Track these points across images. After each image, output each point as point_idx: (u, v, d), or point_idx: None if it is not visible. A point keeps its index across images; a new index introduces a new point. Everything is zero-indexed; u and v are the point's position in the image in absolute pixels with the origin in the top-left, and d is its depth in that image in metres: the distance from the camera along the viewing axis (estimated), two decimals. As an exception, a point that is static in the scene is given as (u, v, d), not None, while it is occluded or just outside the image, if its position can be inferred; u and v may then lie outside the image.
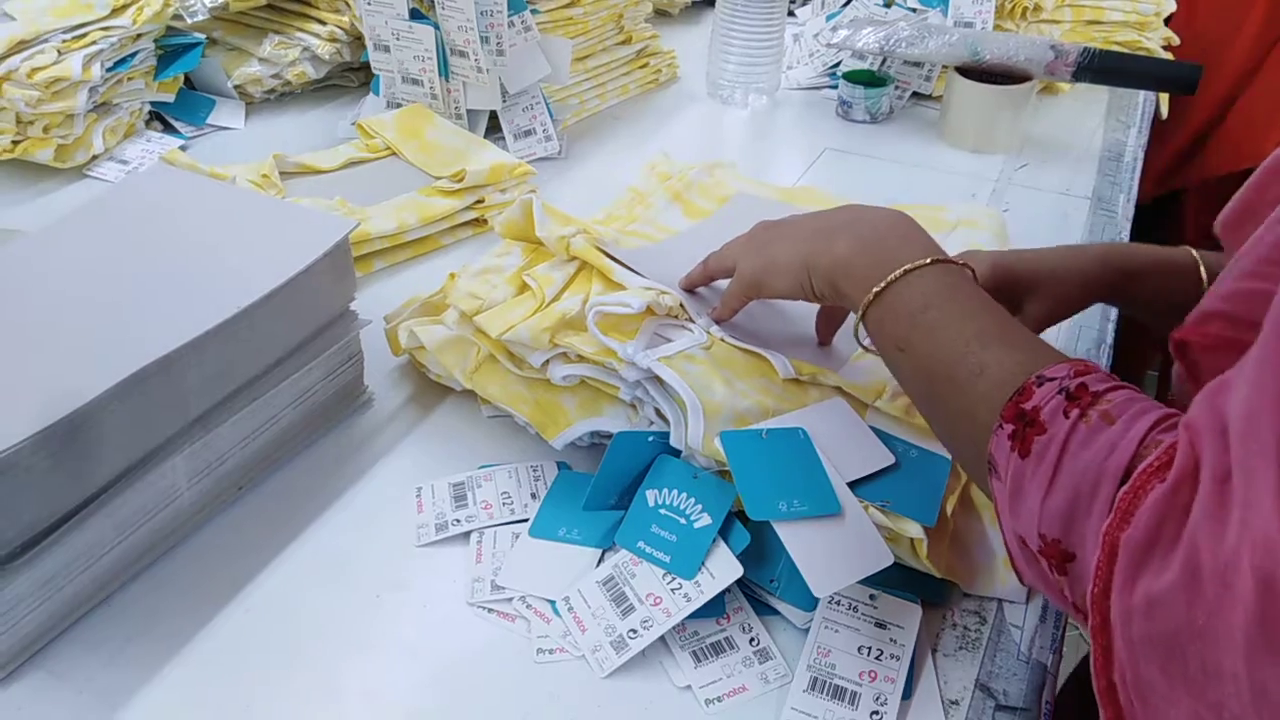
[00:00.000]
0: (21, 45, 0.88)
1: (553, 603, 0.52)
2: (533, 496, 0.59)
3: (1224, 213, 0.49)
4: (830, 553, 0.49)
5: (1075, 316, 0.67)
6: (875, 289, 0.49)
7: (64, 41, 0.91)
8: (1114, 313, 0.82)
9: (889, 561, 0.49)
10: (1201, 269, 0.60)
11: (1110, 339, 0.78)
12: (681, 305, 0.62)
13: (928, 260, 0.49)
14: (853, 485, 0.53)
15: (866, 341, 0.52)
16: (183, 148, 1.00)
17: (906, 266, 0.48)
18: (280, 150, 0.89)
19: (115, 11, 0.95)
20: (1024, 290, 0.61)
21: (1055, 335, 0.78)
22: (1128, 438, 0.37)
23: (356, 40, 1.13)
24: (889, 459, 0.55)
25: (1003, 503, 0.41)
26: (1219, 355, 0.44)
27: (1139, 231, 0.96)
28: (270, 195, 0.82)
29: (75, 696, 0.48)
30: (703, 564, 0.52)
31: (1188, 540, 0.32)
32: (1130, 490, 0.35)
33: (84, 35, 0.92)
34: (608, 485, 0.56)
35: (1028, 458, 0.39)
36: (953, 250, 0.57)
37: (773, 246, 0.56)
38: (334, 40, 1.11)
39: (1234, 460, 0.31)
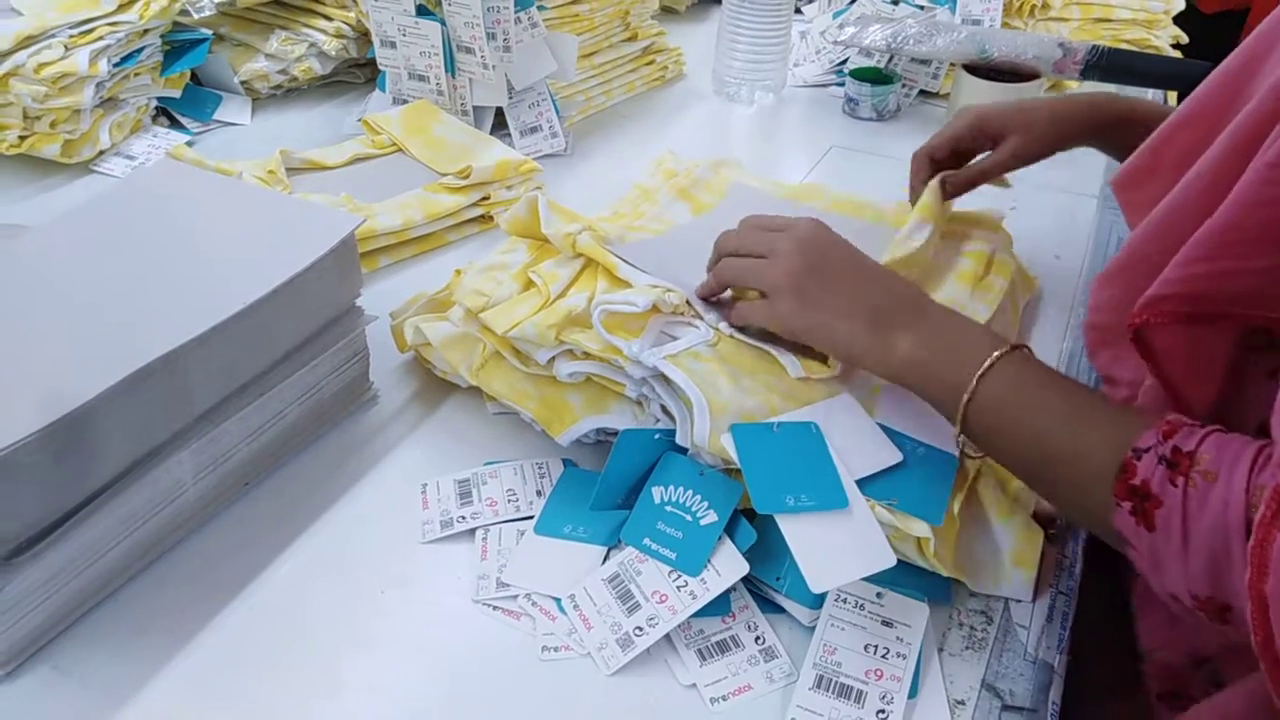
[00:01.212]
0: (28, 41, 0.89)
1: (558, 600, 0.52)
2: (538, 493, 0.59)
3: (1120, 173, 0.56)
4: (831, 549, 0.49)
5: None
6: (964, 400, 0.50)
7: (71, 37, 0.91)
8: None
9: (891, 562, 0.49)
10: None
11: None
12: (688, 302, 0.61)
13: (997, 355, 0.51)
14: (860, 483, 0.53)
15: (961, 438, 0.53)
16: (189, 143, 1.00)
17: (980, 371, 0.50)
18: (286, 146, 0.89)
19: (122, 7, 0.95)
20: (997, 132, 0.73)
21: (1058, 349, 0.78)
22: (1234, 491, 0.40)
23: (363, 36, 1.13)
24: (897, 456, 0.54)
25: (1145, 568, 0.44)
26: (1174, 331, 0.48)
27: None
28: (276, 191, 0.82)
29: (80, 692, 0.48)
30: (709, 561, 0.52)
31: None
32: (1256, 544, 0.38)
33: (91, 30, 0.92)
34: (614, 484, 0.56)
35: (1155, 531, 0.43)
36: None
37: (825, 313, 0.55)
38: (340, 36, 1.11)
39: None
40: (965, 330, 0.54)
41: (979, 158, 0.76)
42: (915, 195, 0.76)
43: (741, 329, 0.60)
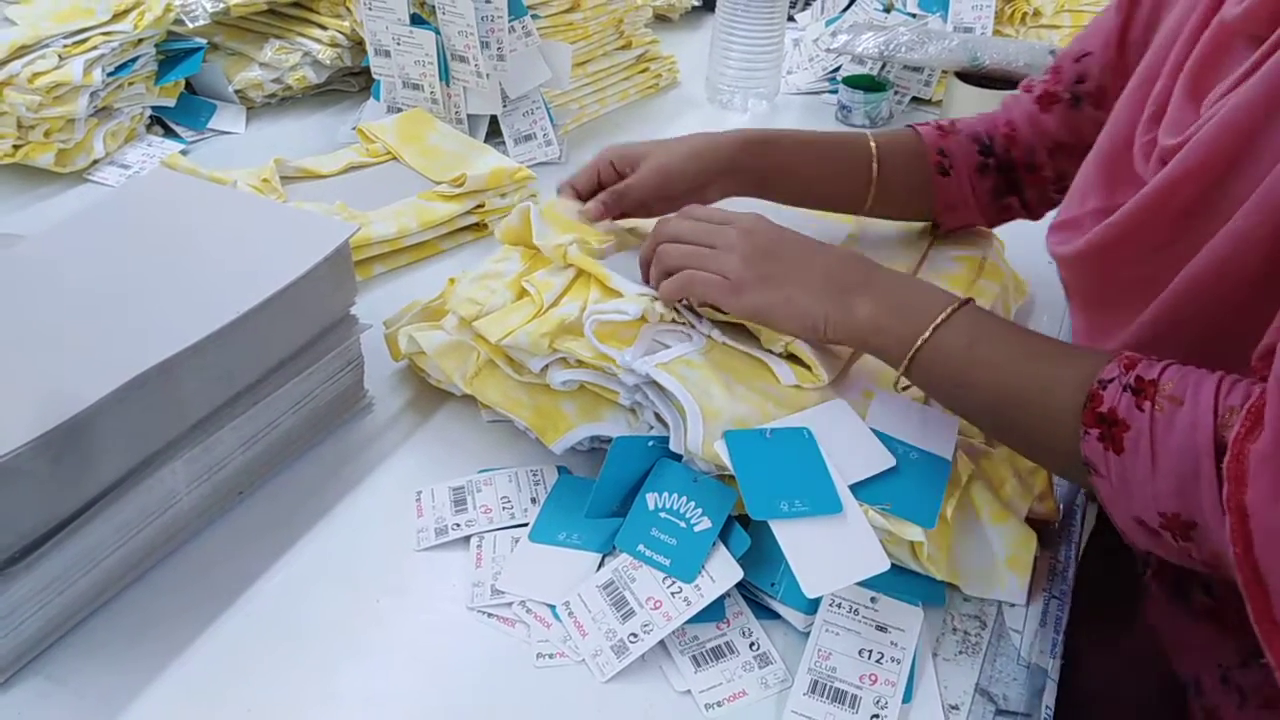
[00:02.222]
0: (23, 50, 0.89)
1: (553, 607, 0.52)
2: (533, 501, 0.59)
3: (1093, 240, 0.54)
4: (826, 554, 0.49)
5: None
6: (918, 344, 0.53)
7: (65, 46, 0.91)
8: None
9: (885, 567, 0.49)
10: (873, 152, 0.72)
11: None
12: (678, 309, 0.62)
13: (953, 307, 0.53)
14: (853, 488, 0.53)
15: (904, 384, 0.56)
16: (184, 152, 1.01)
17: (937, 321, 0.53)
18: (281, 155, 0.89)
19: (116, 17, 0.95)
20: (636, 159, 0.71)
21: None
22: (1201, 413, 0.43)
23: (357, 45, 1.13)
24: (890, 461, 0.55)
25: (1110, 494, 0.46)
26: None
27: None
28: (271, 200, 0.82)
29: (75, 701, 0.48)
30: (703, 567, 0.52)
31: None
32: (1232, 459, 0.40)
33: (85, 40, 0.92)
34: (609, 491, 0.56)
35: (1124, 454, 0.45)
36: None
37: (785, 288, 0.56)
38: (335, 45, 1.12)
39: None
40: (919, 288, 0.56)
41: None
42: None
43: (733, 337, 0.61)
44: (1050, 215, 0.70)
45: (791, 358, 0.60)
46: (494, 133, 1.03)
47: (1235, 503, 0.40)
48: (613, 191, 0.71)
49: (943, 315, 0.53)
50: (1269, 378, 0.40)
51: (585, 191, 0.73)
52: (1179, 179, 0.50)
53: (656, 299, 0.61)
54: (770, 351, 0.60)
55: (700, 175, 0.70)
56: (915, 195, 0.75)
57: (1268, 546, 0.39)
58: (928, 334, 0.52)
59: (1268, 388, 0.40)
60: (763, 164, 0.72)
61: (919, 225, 0.80)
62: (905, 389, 0.57)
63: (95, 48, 0.92)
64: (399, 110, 1.02)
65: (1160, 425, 0.44)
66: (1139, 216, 0.52)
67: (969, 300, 0.54)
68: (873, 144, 0.73)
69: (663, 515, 0.54)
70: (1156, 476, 0.44)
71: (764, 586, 0.53)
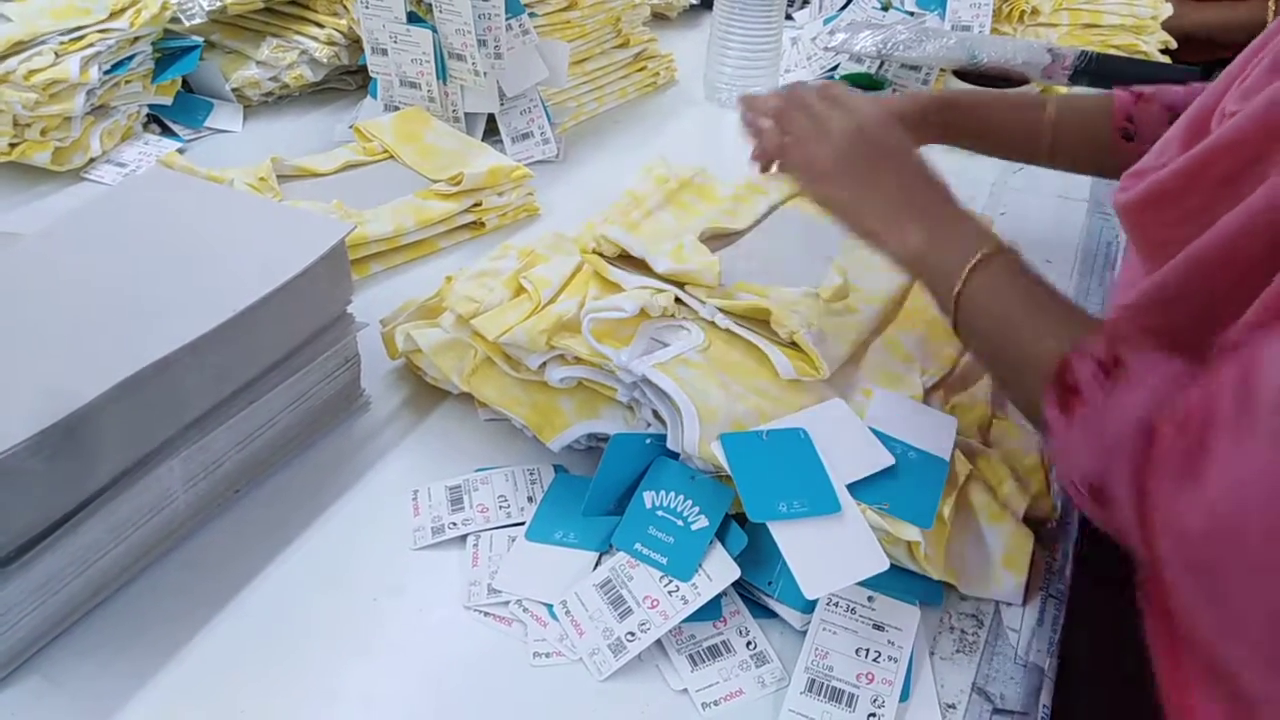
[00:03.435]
0: (19, 46, 0.89)
1: (549, 606, 0.52)
2: (529, 500, 0.59)
3: (1136, 195, 0.55)
4: (824, 555, 0.49)
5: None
6: (955, 291, 0.55)
7: (61, 44, 0.91)
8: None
9: (884, 566, 0.49)
10: (1050, 109, 0.76)
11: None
12: (677, 301, 0.62)
13: (983, 254, 0.54)
14: (851, 487, 0.53)
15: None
16: (180, 150, 1.00)
17: (970, 265, 0.54)
18: (278, 153, 0.89)
19: (113, 14, 0.95)
20: None
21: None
22: (1142, 396, 0.45)
23: (354, 43, 1.13)
24: (888, 459, 0.55)
25: (1056, 455, 0.50)
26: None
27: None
28: (267, 198, 0.82)
29: (70, 702, 0.48)
30: (700, 566, 0.52)
31: (1204, 473, 0.39)
32: (1156, 449, 0.42)
33: (82, 38, 0.92)
34: (606, 489, 0.56)
35: (1073, 424, 0.47)
36: None
37: (857, 192, 0.59)
38: (332, 43, 1.11)
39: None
40: (964, 227, 0.57)
41: None
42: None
43: (737, 322, 0.62)
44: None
45: (794, 347, 0.60)
46: (491, 131, 1.03)
47: (1141, 486, 0.42)
48: None
49: (974, 261, 0.54)
50: (1211, 374, 0.42)
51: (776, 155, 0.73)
52: (1218, 149, 0.50)
53: (656, 293, 0.61)
54: (775, 337, 0.60)
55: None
56: (1097, 155, 0.78)
57: (1169, 536, 0.41)
58: (958, 285, 0.54)
59: (1202, 383, 0.42)
60: (950, 121, 0.78)
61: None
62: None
63: (92, 45, 0.92)
64: (396, 109, 1.02)
65: (1110, 405, 0.46)
66: (1180, 180, 0.52)
67: (1004, 250, 0.55)
68: (1050, 109, 0.78)
69: (660, 514, 0.54)
70: (1091, 450, 0.46)
71: (761, 585, 0.53)
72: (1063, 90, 1.23)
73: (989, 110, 0.80)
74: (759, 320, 0.62)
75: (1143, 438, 0.43)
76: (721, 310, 0.62)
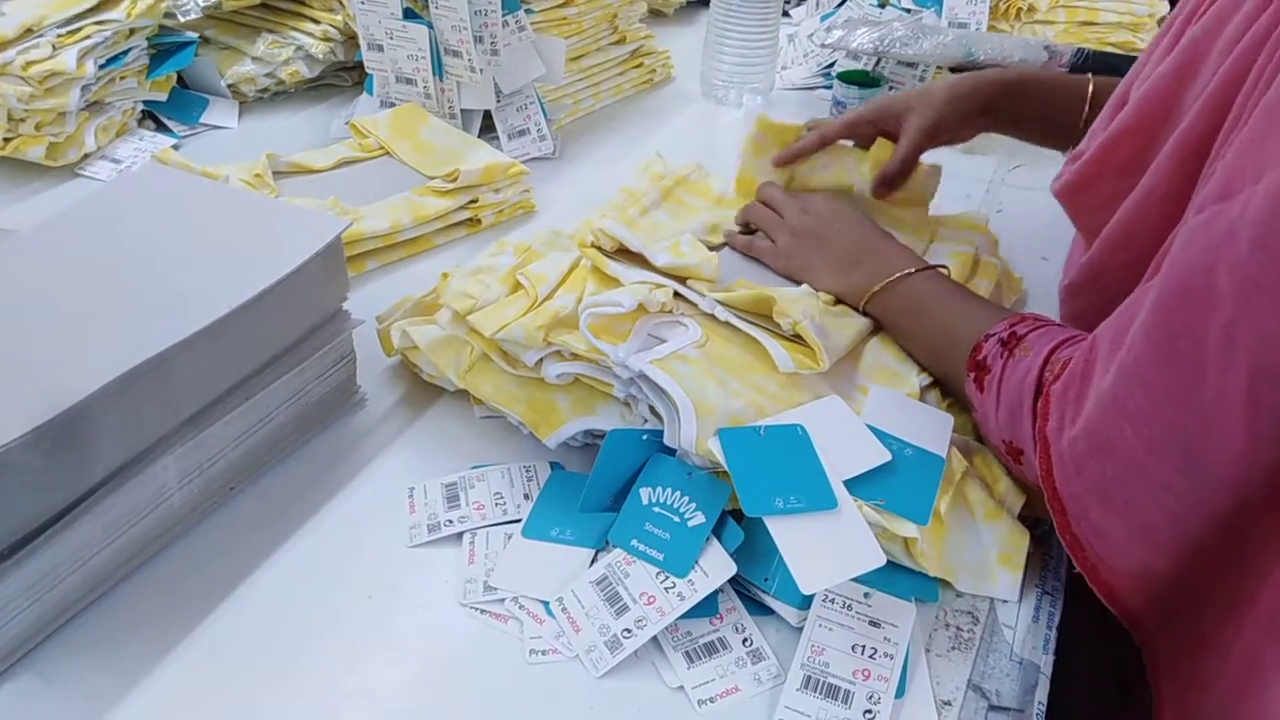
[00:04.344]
0: (28, 33, 0.89)
1: (546, 603, 0.52)
2: (525, 497, 0.59)
3: (1064, 180, 0.60)
4: (821, 550, 0.49)
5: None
6: (865, 299, 0.66)
7: (59, 36, 0.90)
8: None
9: (881, 562, 0.49)
10: (1090, 87, 0.76)
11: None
12: (679, 292, 0.62)
13: (898, 275, 0.65)
14: (847, 484, 0.53)
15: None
16: (175, 147, 1.00)
17: (876, 287, 0.65)
18: (273, 150, 0.89)
19: (109, 3, 0.94)
20: (900, 113, 0.77)
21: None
22: (1035, 361, 0.52)
23: (350, 39, 1.12)
24: (885, 456, 0.55)
25: (980, 426, 0.58)
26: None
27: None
28: (263, 195, 0.82)
29: (64, 699, 0.48)
30: (696, 562, 0.52)
31: (1082, 407, 0.47)
32: (1043, 399, 0.50)
33: (78, 30, 0.92)
34: (602, 485, 0.56)
35: (984, 392, 0.56)
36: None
37: (812, 259, 0.70)
38: (327, 39, 1.11)
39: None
40: (893, 260, 0.66)
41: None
42: (790, 155, 0.80)
43: (737, 314, 0.63)
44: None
45: (797, 338, 0.60)
46: (487, 128, 1.03)
47: (1040, 433, 0.50)
48: (895, 162, 0.77)
49: (886, 280, 0.64)
50: (1098, 331, 0.48)
51: (832, 141, 0.79)
52: (1117, 137, 0.54)
53: (655, 288, 0.61)
54: (778, 329, 0.61)
55: (961, 124, 0.77)
56: None
57: (1061, 470, 0.48)
58: (876, 288, 0.65)
59: (1082, 340, 0.49)
60: (1016, 107, 0.78)
61: (921, 223, 0.80)
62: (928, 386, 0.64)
63: (88, 37, 0.91)
64: (392, 105, 1.01)
65: (1008, 370, 0.54)
66: (1091, 169, 0.57)
67: (923, 269, 0.64)
68: (1090, 86, 0.76)
69: (656, 510, 0.54)
70: (999, 411, 0.54)
71: (757, 581, 0.53)
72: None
73: (1047, 95, 0.78)
74: (759, 314, 0.62)
75: (1034, 392, 0.51)
76: (722, 303, 0.62)
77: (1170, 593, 0.48)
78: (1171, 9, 1.25)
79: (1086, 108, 0.75)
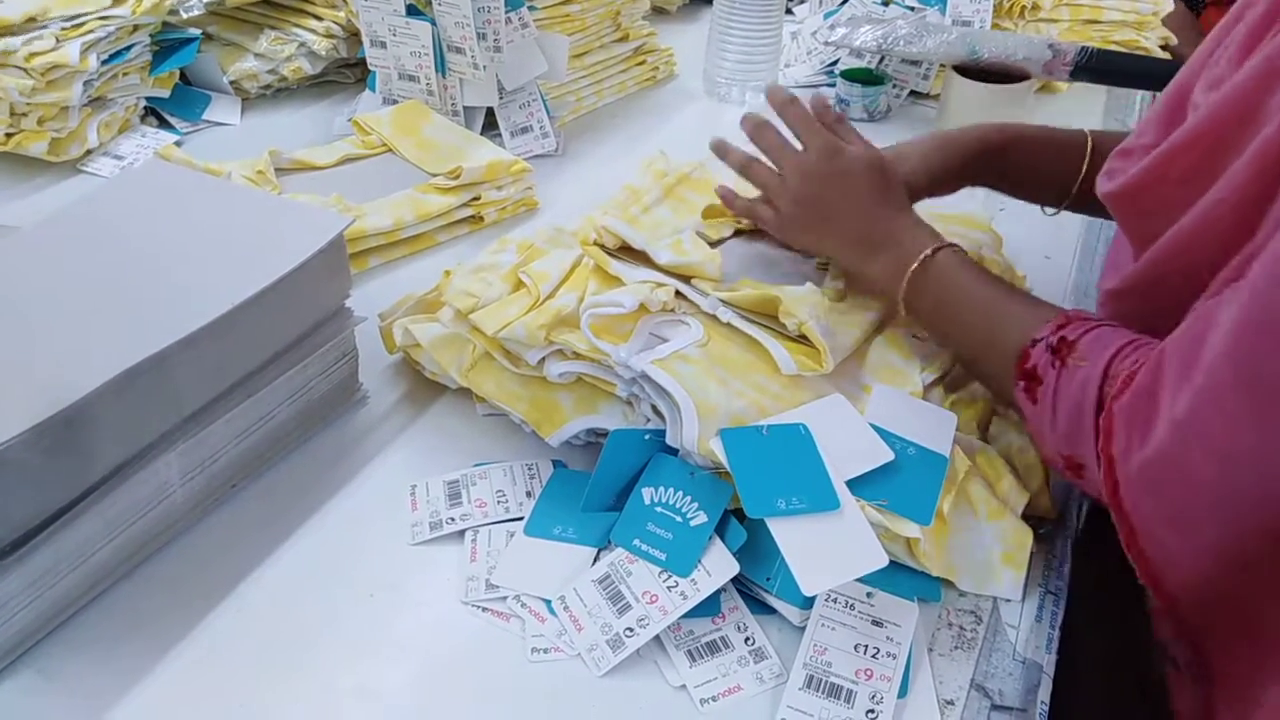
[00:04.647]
0: (31, 23, 0.89)
1: (548, 602, 0.52)
2: (528, 495, 0.59)
3: (1119, 185, 0.56)
4: (823, 551, 0.49)
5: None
6: (903, 287, 0.61)
7: (63, 29, 0.90)
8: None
9: (883, 562, 0.49)
10: (1088, 143, 0.72)
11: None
12: (678, 295, 0.62)
13: (923, 257, 0.60)
14: (850, 483, 0.53)
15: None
16: (178, 143, 1.00)
17: (921, 257, 0.60)
18: (276, 146, 0.89)
19: (115, 2, 0.94)
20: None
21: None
22: (1094, 373, 0.50)
23: (353, 36, 1.12)
24: (888, 455, 0.54)
25: (1034, 436, 0.56)
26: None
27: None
28: (265, 191, 0.82)
29: (65, 697, 0.48)
30: (699, 561, 0.52)
31: (1153, 427, 0.45)
32: (1105, 415, 0.48)
33: (82, 24, 0.92)
34: (605, 484, 0.56)
35: (1037, 404, 0.53)
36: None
37: (820, 232, 0.66)
38: (330, 36, 1.11)
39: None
40: (912, 238, 0.62)
41: None
42: None
43: (740, 315, 0.62)
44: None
45: (799, 340, 0.60)
46: (490, 125, 1.03)
47: (1105, 452, 0.48)
48: None
49: (910, 271, 0.60)
50: (1158, 347, 0.47)
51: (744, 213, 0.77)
52: (1185, 144, 0.51)
53: (656, 287, 0.60)
54: (784, 329, 0.60)
55: (938, 183, 0.73)
56: None
57: (1129, 492, 0.47)
58: (904, 285, 0.60)
59: (1149, 355, 0.47)
60: (999, 165, 0.74)
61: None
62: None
63: (91, 31, 0.91)
64: (395, 102, 1.01)
65: (1063, 381, 0.51)
66: (1150, 176, 0.54)
67: (942, 248, 0.60)
68: (1089, 143, 0.73)
69: (659, 510, 0.54)
70: (1056, 425, 0.51)
71: (760, 581, 0.53)
72: (1063, 86, 1.23)
73: (1040, 151, 0.75)
74: (762, 314, 0.62)
75: (1095, 409, 0.49)
76: (725, 302, 0.62)
77: (1230, 602, 0.48)
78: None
79: (1085, 166, 0.73)
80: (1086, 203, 0.74)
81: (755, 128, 0.70)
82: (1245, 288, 0.42)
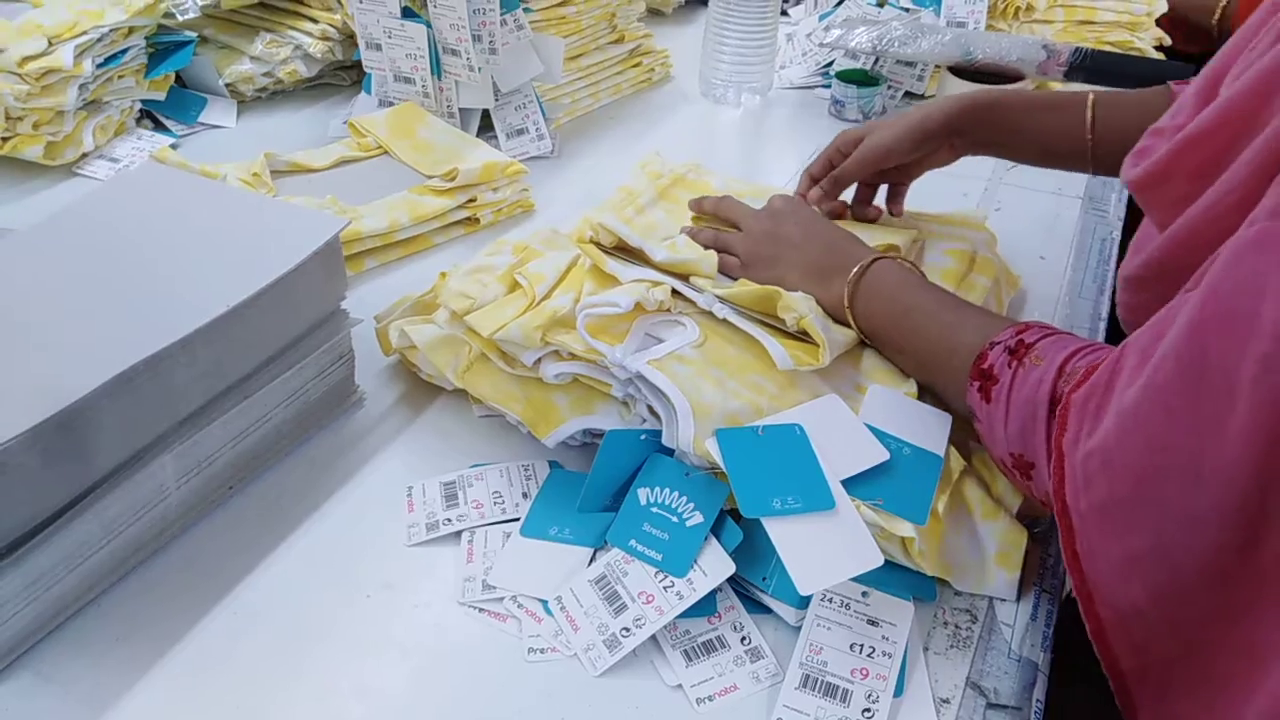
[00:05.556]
0: (58, 39, 0.90)
1: (544, 602, 0.52)
2: (524, 496, 0.59)
3: (1140, 173, 0.56)
4: (819, 550, 0.49)
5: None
6: (848, 295, 0.63)
7: (56, 33, 0.90)
8: (1104, 310, 0.82)
9: (879, 562, 0.49)
10: (1088, 110, 0.73)
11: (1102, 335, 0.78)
12: (675, 293, 0.62)
13: (859, 269, 0.63)
14: (845, 483, 0.53)
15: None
16: (174, 146, 1.00)
17: (855, 270, 0.63)
18: (272, 149, 0.89)
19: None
20: (859, 136, 0.76)
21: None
22: (1048, 371, 0.50)
23: (348, 39, 1.12)
24: (884, 455, 0.55)
25: (984, 437, 0.55)
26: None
27: (1131, 230, 0.96)
28: (261, 194, 0.82)
29: (62, 698, 0.48)
30: (695, 562, 0.52)
31: (1102, 419, 0.45)
32: (1063, 407, 0.48)
33: (75, 25, 0.92)
34: (601, 485, 0.56)
35: (990, 402, 0.53)
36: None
37: (779, 269, 0.67)
38: (326, 38, 1.11)
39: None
40: (857, 255, 0.64)
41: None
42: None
43: (737, 311, 0.62)
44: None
45: (801, 335, 0.60)
46: (486, 127, 1.03)
47: (1056, 444, 0.48)
48: (831, 178, 0.78)
49: (850, 280, 0.62)
50: (1121, 343, 0.46)
51: (820, 177, 0.79)
52: (1197, 138, 0.51)
53: (653, 286, 0.61)
54: (780, 324, 0.61)
55: (919, 147, 0.75)
56: None
57: (1072, 484, 0.46)
58: (847, 292, 0.62)
59: (1107, 353, 0.47)
60: (986, 127, 0.75)
61: (911, 220, 0.80)
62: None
63: (85, 34, 0.91)
64: (390, 104, 1.01)
65: (1018, 380, 0.52)
66: (1166, 165, 0.53)
67: (880, 259, 0.63)
68: (1089, 104, 0.73)
69: (654, 510, 0.54)
70: (1008, 422, 0.52)
71: (755, 581, 0.53)
72: (1057, 87, 1.23)
73: (1023, 115, 0.75)
74: (762, 310, 0.62)
75: (1049, 403, 0.49)
76: (723, 298, 0.62)
77: (1155, 646, 0.46)
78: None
79: (1089, 125, 0.72)
80: (1108, 164, 0.73)
81: (714, 201, 0.76)
82: (1204, 284, 0.42)
